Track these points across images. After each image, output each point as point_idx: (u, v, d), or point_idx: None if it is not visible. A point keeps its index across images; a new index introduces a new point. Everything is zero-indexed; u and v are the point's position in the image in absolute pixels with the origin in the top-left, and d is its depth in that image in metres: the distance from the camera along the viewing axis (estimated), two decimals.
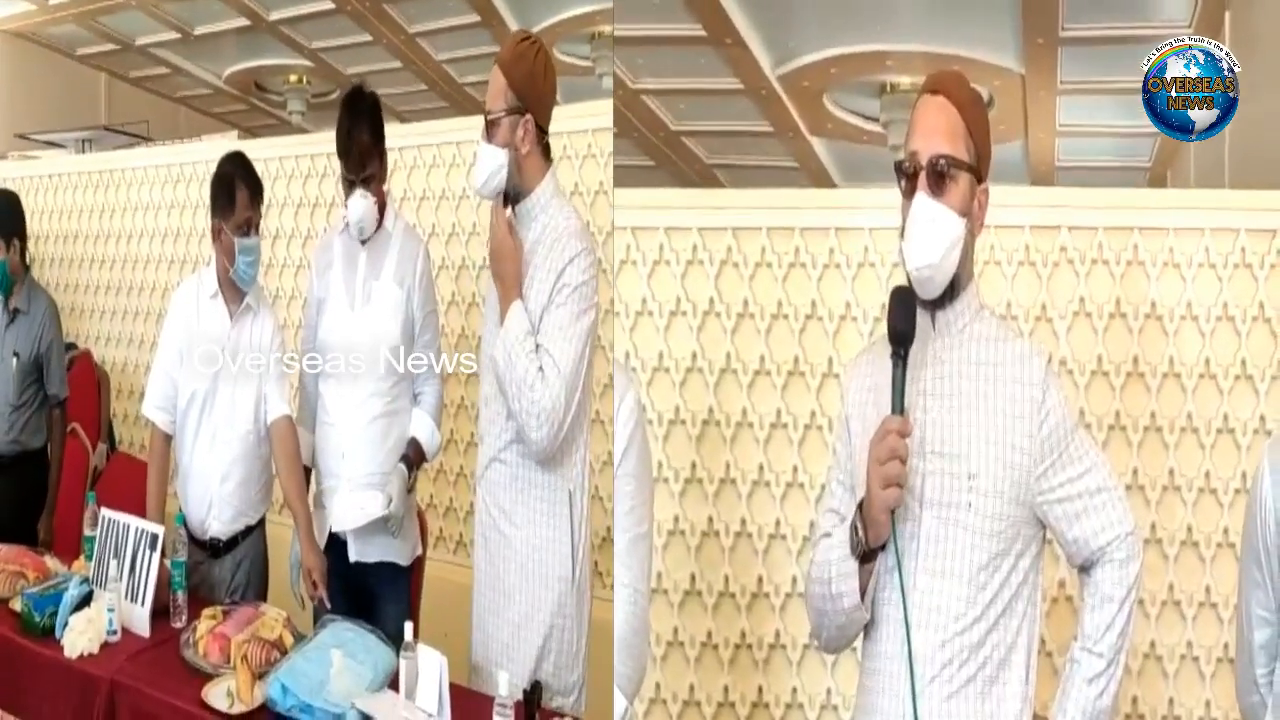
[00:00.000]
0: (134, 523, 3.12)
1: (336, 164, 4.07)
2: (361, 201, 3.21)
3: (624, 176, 4.31)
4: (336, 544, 3.30)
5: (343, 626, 2.84)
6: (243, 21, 5.89)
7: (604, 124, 4.14)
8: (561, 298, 2.71)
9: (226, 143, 5.17)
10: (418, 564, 3.46)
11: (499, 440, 2.83)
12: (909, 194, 2.15)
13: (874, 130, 5.43)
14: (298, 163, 4.93)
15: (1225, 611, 3.31)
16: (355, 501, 3.24)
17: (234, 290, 3.40)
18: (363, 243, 3.29)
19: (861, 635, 2.25)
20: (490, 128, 2.81)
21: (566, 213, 2.82)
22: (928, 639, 2.13)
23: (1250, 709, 2.25)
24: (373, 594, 3.25)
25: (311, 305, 3.41)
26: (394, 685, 2.65)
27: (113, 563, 3.06)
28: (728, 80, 5.19)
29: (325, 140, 4.18)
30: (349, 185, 3.22)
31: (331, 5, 5.62)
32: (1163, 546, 3.34)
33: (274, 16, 5.83)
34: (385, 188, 3.33)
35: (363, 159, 3.20)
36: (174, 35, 6.10)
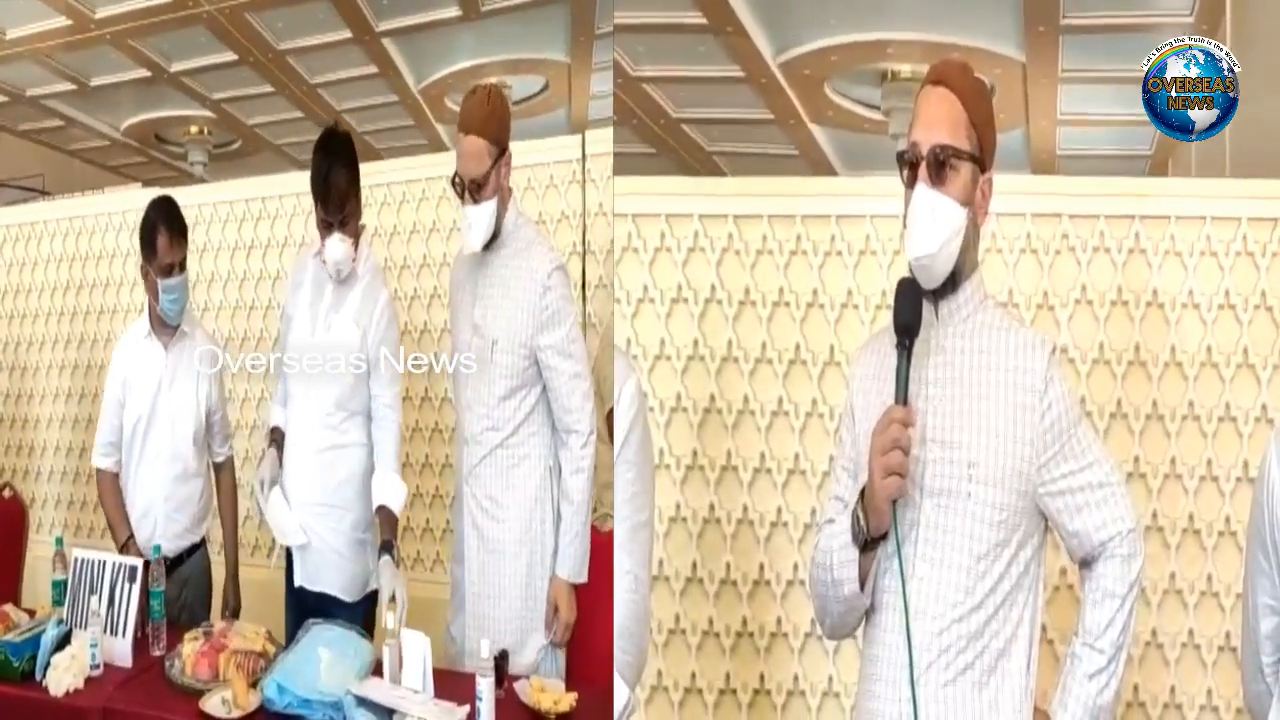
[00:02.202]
0: (111, 558, 3.20)
1: (238, 210, 4.72)
2: (340, 245, 3.25)
3: (625, 164, 4.32)
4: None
5: (323, 628, 2.98)
6: (143, 73, 5.82)
7: (563, 156, 4.32)
8: (558, 312, 3.03)
9: (131, 194, 5.19)
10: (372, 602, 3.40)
11: (491, 439, 3.09)
12: (910, 184, 2.16)
13: (875, 118, 5.42)
14: (200, 210, 4.92)
15: (1227, 600, 3.32)
16: (294, 520, 3.31)
17: (165, 325, 3.55)
18: None
19: (863, 622, 2.27)
20: (479, 190, 3.02)
21: (531, 228, 3.16)
22: (925, 626, 2.14)
23: (1256, 697, 2.25)
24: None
25: (284, 319, 3.49)
26: (378, 673, 2.82)
27: (91, 599, 3.09)
28: (728, 68, 5.18)
29: (239, 187, 4.90)
30: (326, 227, 3.25)
31: (234, 57, 5.61)
32: (1164, 535, 3.35)
33: (175, 68, 5.79)
34: (361, 224, 3.38)
35: (341, 201, 3.24)
36: (69, 86, 6.00)
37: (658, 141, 5.60)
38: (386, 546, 3.15)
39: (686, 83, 5.40)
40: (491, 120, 3.05)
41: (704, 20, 4.85)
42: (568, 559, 3.04)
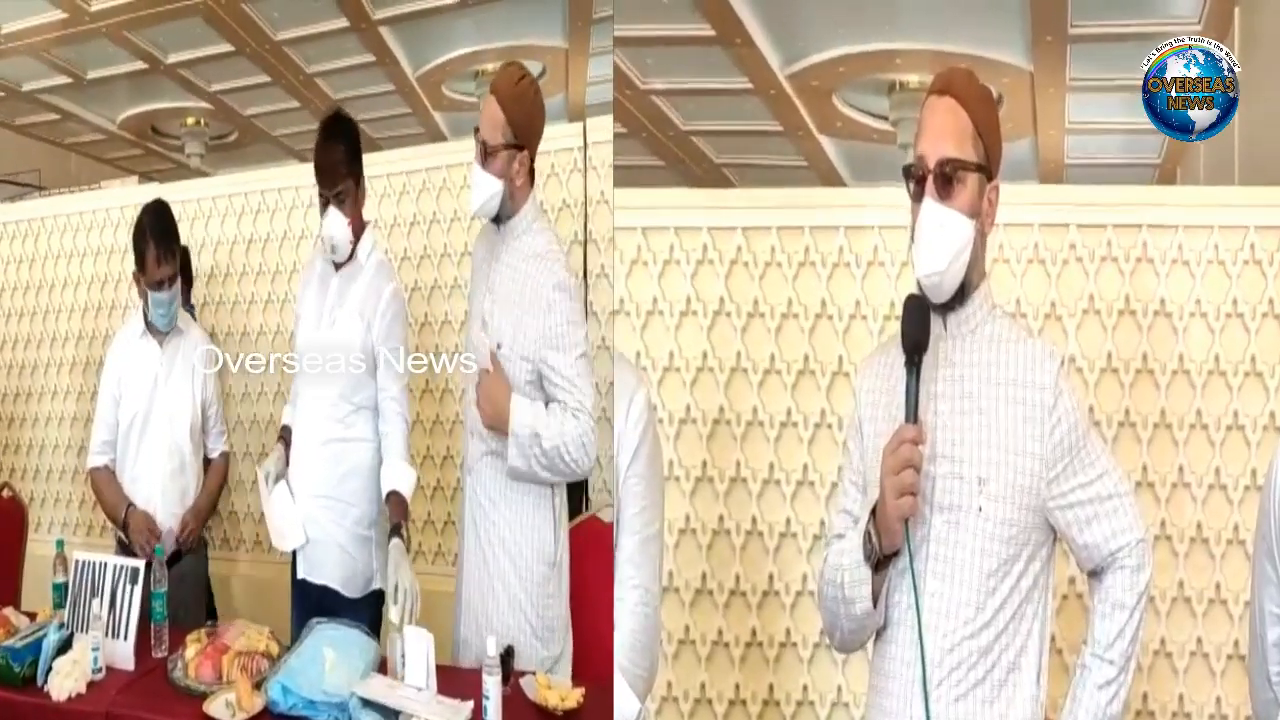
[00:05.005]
0: (112, 560, 3.19)
1: (236, 204, 4.73)
2: (336, 221, 3.27)
3: (633, 176, 4.33)
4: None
5: (327, 628, 2.97)
6: (139, 65, 5.82)
7: (564, 145, 4.32)
8: (564, 336, 2.90)
9: (128, 190, 5.21)
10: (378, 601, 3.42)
11: (491, 439, 2.98)
12: (917, 198, 2.16)
13: (883, 128, 5.42)
14: (199, 205, 4.97)
15: (1235, 608, 3.31)
16: (296, 516, 3.32)
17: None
18: (337, 267, 3.35)
19: (872, 636, 2.27)
20: (488, 157, 2.97)
21: (547, 236, 3.03)
22: (937, 642, 2.14)
23: (1264, 707, 2.25)
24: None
25: (296, 319, 3.51)
26: (382, 670, 2.84)
27: (93, 602, 3.08)
28: (737, 80, 5.18)
29: (237, 181, 4.91)
30: (324, 204, 3.28)
31: (230, 47, 5.60)
32: (1172, 543, 3.34)
33: (171, 59, 5.78)
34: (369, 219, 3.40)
35: (333, 176, 3.26)
36: (64, 80, 5.98)
37: (666, 153, 5.61)
38: (396, 530, 3.14)
39: (695, 95, 5.41)
40: (517, 102, 3.00)
41: (712, 32, 4.86)
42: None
